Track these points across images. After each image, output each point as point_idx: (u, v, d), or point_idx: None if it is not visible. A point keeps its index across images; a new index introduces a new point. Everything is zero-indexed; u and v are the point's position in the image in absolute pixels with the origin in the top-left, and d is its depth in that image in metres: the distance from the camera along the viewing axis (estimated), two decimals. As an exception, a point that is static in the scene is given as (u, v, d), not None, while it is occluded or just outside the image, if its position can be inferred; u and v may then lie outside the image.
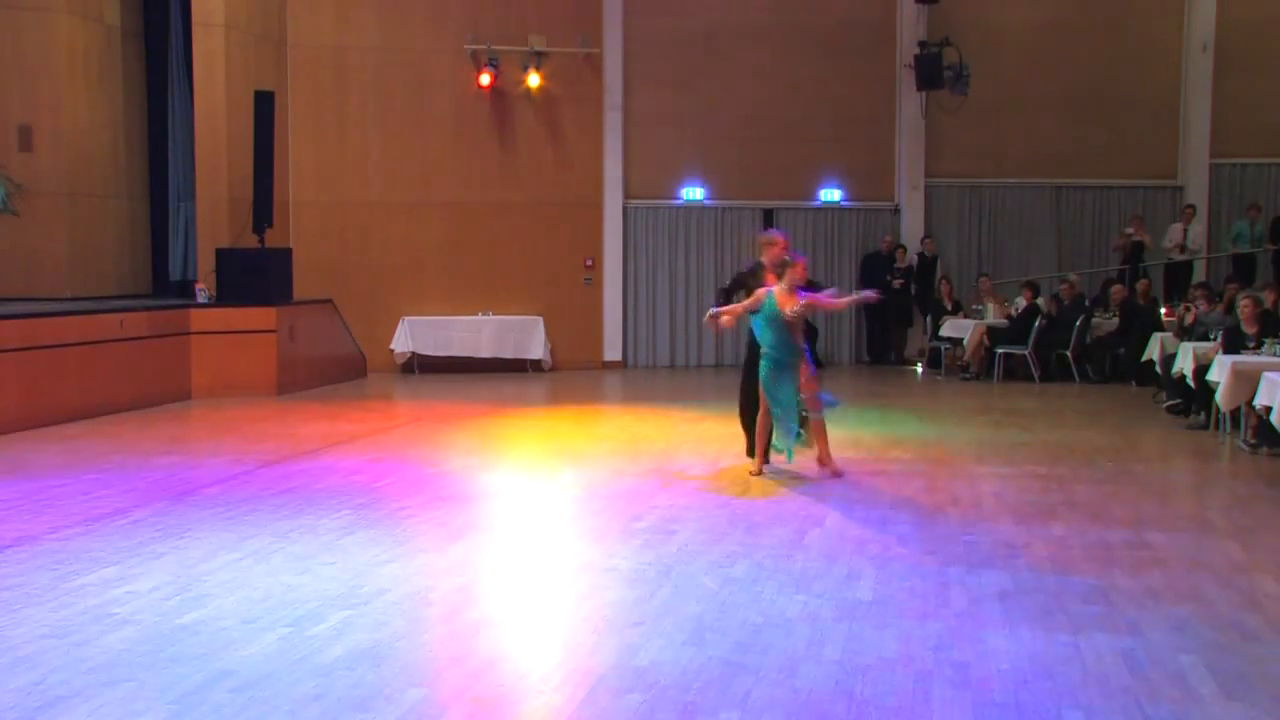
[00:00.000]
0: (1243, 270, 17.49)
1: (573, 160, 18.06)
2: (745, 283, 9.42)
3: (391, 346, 17.46)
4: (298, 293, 15.85)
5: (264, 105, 15.16)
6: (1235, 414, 10.90)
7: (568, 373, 17.74)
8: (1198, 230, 17.88)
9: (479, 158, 17.83)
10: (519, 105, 17.83)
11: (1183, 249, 17.73)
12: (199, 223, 15.60)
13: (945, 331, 17.17)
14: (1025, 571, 6.45)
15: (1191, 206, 18.15)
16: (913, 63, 18.04)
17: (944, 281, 18.06)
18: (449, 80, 17.69)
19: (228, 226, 15.41)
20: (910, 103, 18.45)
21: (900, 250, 18.32)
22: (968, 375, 16.69)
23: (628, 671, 4.90)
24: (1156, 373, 13.91)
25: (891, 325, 18.60)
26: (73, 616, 5.58)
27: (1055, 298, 16.70)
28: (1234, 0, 18.53)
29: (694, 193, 18.51)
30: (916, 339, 18.64)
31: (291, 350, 14.83)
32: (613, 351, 18.31)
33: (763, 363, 8.94)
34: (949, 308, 17.60)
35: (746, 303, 9.02)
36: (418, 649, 5.17)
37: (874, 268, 18.10)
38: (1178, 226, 17.84)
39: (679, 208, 18.51)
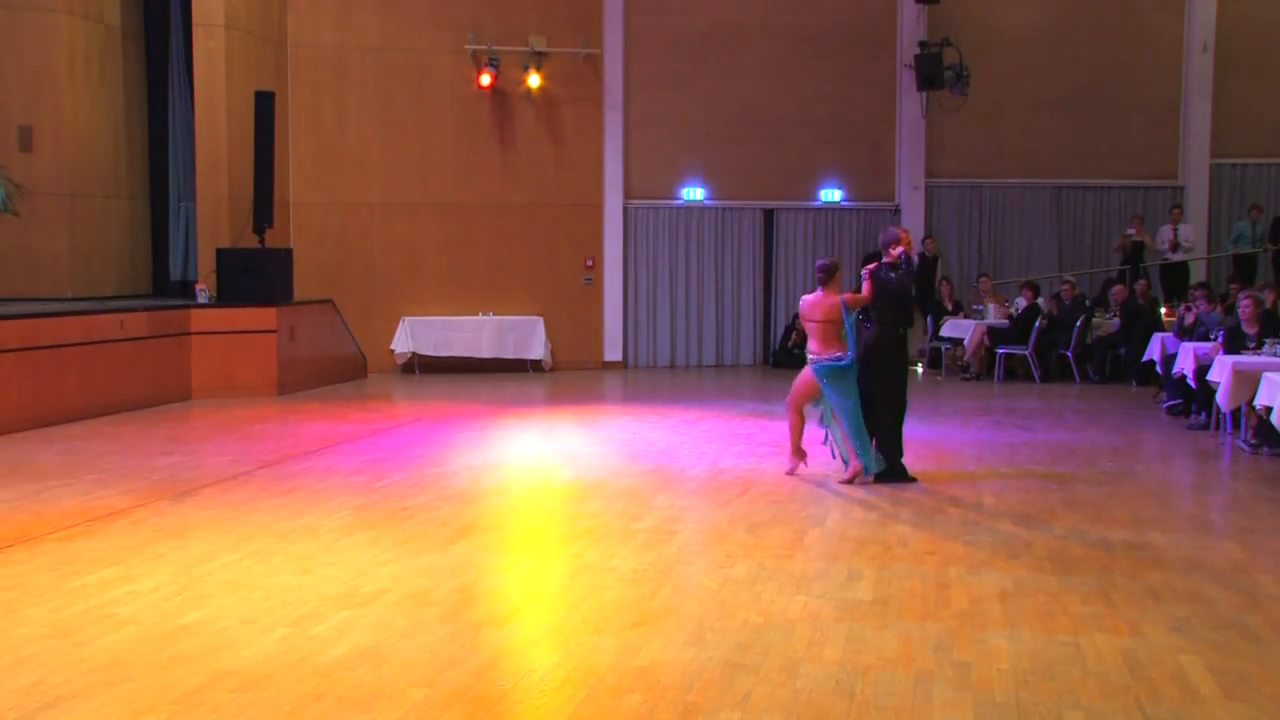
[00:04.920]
0: (1243, 270, 17.51)
1: (573, 160, 18.06)
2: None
3: (392, 347, 17.46)
4: (298, 293, 15.85)
5: (264, 105, 15.16)
6: (1235, 414, 10.90)
7: (568, 373, 17.74)
8: (1187, 229, 17.91)
9: (479, 158, 17.83)
10: (519, 105, 17.83)
11: (1175, 247, 17.76)
12: (199, 223, 15.60)
13: (946, 332, 17.18)
14: (1025, 571, 6.46)
15: (1179, 207, 18.22)
16: (913, 63, 18.04)
17: (944, 282, 18.08)
18: (449, 80, 17.69)
19: (228, 226, 15.41)
20: (910, 103, 18.45)
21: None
22: (968, 375, 16.70)
23: (628, 671, 4.90)
24: (1157, 373, 13.91)
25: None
26: (73, 616, 5.59)
27: (1056, 298, 16.71)
28: (1234, 0, 18.54)
29: (694, 193, 18.51)
30: (917, 339, 18.62)
31: (292, 350, 14.83)
32: (613, 351, 18.31)
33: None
34: (949, 308, 17.61)
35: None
36: (418, 649, 5.17)
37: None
38: (1166, 228, 17.91)
39: (679, 208, 18.52)
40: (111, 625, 5.45)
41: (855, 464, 8.86)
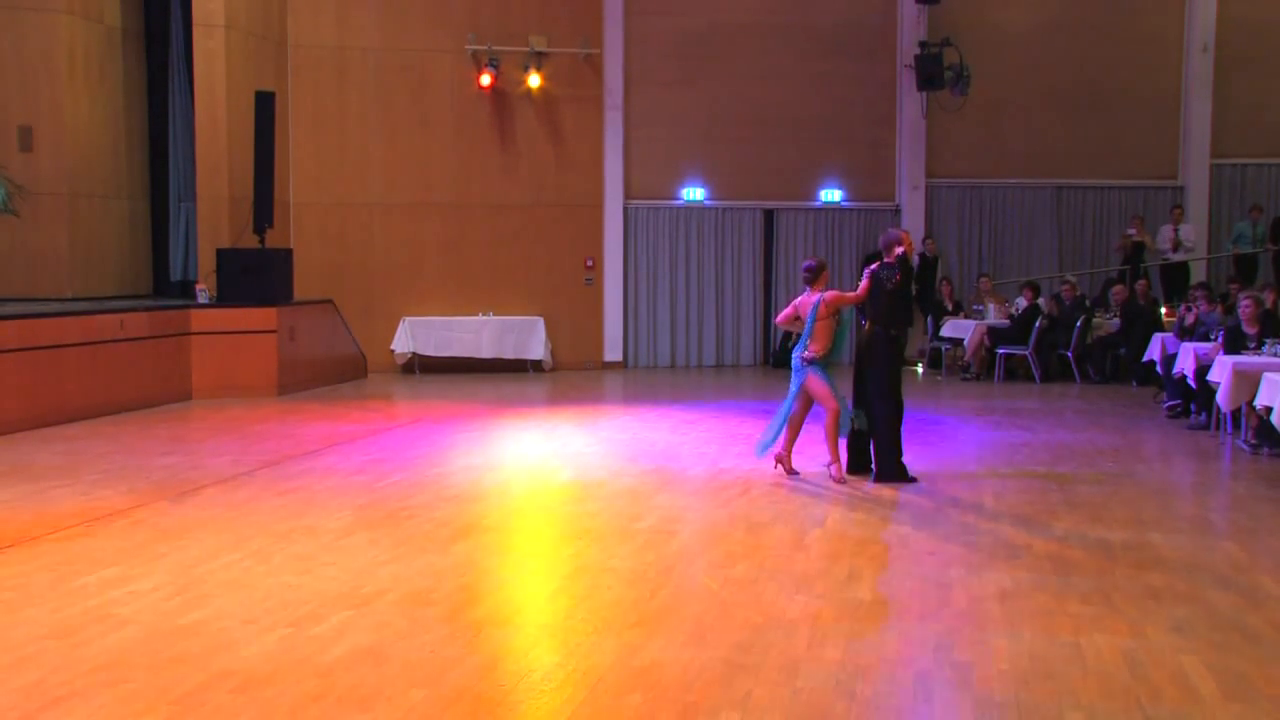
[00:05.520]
0: (1243, 271, 17.52)
1: (573, 160, 18.06)
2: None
3: (392, 347, 17.46)
4: (298, 293, 15.84)
5: (264, 105, 15.15)
6: (1235, 414, 10.89)
7: (568, 373, 17.75)
8: (1188, 229, 17.92)
9: (479, 158, 17.84)
10: (519, 105, 17.84)
11: (1176, 247, 17.78)
12: (199, 223, 15.60)
13: (946, 332, 17.18)
14: (1025, 572, 6.45)
15: (1179, 207, 18.24)
16: (913, 63, 18.05)
17: (944, 282, 18.08)
18: (449, 80, 17.70)
19: (228, 227, 15.41)
20: (910, 103, 18.45)
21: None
22: (968, 375, 16.70)
23: (628, 671, 4.90)
24: (1157, 373, 13.91)
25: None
26: (73, 616, 5.59)
27: (1056, 298, 16.71)
28: (1234, 0, 18.54)
29: (694, 193, 18.51)
30: (917, 339, 18.63)
31: (292, 350, 14.83)
32: (613, 352, 18.31)
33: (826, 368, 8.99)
34: (949, 308, 17.61)
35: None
36: (418, 649, 5.17)
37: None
38: (1167, 227, 17.92)
39: (679, 208, 18.52)
40: (111, 625, 5.45)
41: (835, 462, 8.94)
